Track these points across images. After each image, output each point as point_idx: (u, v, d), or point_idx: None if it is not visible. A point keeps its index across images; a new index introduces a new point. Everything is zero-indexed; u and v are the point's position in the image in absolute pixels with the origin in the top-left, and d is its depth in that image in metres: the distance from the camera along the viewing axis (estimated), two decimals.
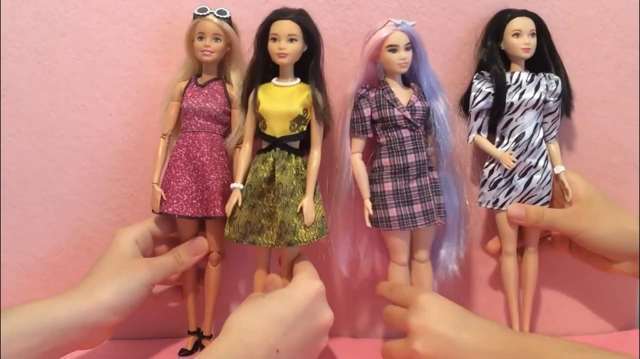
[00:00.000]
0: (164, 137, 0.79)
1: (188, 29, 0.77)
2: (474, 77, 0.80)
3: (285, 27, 0.73)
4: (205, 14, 0.76)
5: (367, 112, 0.76)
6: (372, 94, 0.77)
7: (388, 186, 0.76)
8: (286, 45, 0.73)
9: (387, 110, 0.75)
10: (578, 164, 0.85)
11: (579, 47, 0.83)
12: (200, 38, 0.76)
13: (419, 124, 0.76)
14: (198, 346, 0.83)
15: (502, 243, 0.82)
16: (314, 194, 0.75)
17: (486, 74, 0.80)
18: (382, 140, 0.77)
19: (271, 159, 0.75)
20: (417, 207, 0.75)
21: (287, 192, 0.73)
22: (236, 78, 0.79)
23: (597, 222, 0.77)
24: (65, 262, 0.86)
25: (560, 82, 0.79)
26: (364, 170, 0.77)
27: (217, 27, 0.76)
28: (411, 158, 0.75)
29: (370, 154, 0.79)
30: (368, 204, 0.76)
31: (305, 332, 0.66)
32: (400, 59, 0.75)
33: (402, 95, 0.76)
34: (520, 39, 0.78)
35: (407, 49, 0.75)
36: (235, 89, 0.79)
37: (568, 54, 0.82)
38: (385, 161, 0.76)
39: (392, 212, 0.75)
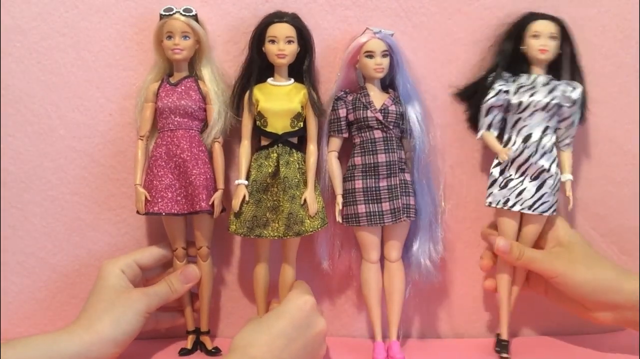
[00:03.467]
0: (142, 138, 0.80)
1: (155, 29, 0.78)
2: (489, 74, 0.81)
3: (284, 30, 0.76)
4: (171, 13, 0.77)
5: (342, 112, 0.80)
6: (349, 97, 0.80)
7: (359, 184, 0.79)
8: (285, 46, 0.76)
9: (361, 111, 0.79)
10: (578, 164, 0.85)
11: (579, 47, 0.83)
12: (169, 37, 0.77)
13: (391, 127, 0.79)
14: (197, 345, 0.83)
15: None
16: (314, 186, 0.78)
17: (506, 74, 0.80)
18: (357, 140, 0.80)
19: (275, 154, 0.78)
20: (385, 206, 0.78)
21: (293, 185, 0.77)
22: (208, 74, 0.80)
23: (575, 268, 0.77)
24: (65, 262, 0.86)
25: (577, 89, 0.79)
26: (338, 168, 0.81)
27: (184, 25, 0.77)
28: (382, 158, 0.78)
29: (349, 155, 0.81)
30: (339, 199, 0.80)
31: (304, 342, 0.70)
32: (376, 65, 0.78)
33: (378, 99, 0.79)
34: (537, 40, 0.78)
35: (383, 55, 0.78)
36: (208, 85, 0.79)
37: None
38: (358, 160, 0.79)
39: (361, 208, 0.78)
